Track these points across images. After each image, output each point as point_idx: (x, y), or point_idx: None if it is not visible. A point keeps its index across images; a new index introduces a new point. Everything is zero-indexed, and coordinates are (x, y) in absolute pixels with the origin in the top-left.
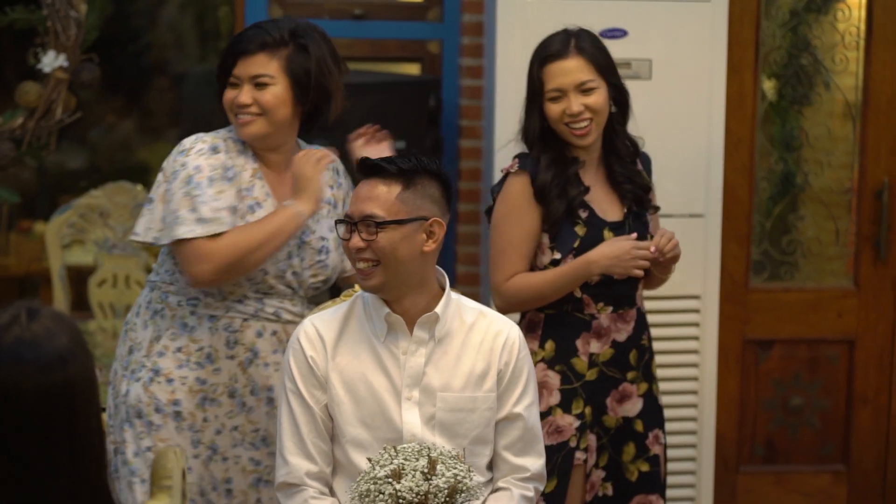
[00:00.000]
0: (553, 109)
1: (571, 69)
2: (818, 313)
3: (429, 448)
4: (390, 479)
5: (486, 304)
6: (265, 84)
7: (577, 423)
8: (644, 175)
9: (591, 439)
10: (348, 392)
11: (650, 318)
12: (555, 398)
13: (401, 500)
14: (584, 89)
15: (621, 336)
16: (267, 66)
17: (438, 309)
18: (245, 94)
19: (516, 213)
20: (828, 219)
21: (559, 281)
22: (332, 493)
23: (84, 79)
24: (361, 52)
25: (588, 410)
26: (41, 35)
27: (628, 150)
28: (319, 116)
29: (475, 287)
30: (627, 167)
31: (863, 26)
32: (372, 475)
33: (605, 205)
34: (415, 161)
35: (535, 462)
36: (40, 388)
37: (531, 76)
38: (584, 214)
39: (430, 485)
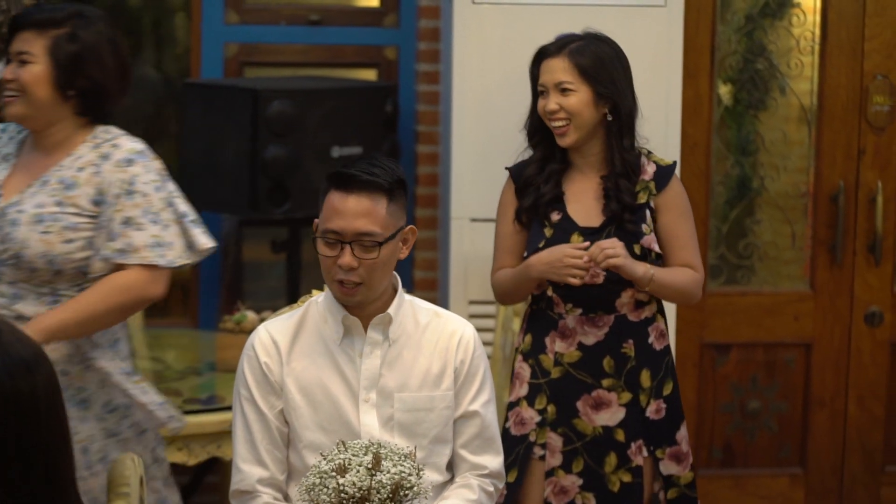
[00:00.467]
0: (539, 104)
1: (554, 68)
2: (775, 317)
3: (378, 445)
4: (335, 474)
5: (445, 308)
6: (26, 61)
7: (537, 419)
8: (628, 196)
9: (554, 439)
10: (305, 397)
11: None
12: (524, 390)
13: (343, 495)
14: (562, 89)
15: (588, 340)
16: (32, 43)
17: (391, 310)
18: (9, 70)
19: (501, 210)
20: (784, 223)
21: (513, 280)
22: (287, 500)
23: None
24: (318, 58)
25: (551, 409)
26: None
27: (624, 165)
28: (102, 106)
29: (433, 292)
30: (617, 181)
31: (818, 31)
32: (318, 469)
33: (587, 210)
34: (391, 170)
35: (493, 460)
36: (8, 394)
37: (531, 71)
38: (556, 217)
39: (374, 480)
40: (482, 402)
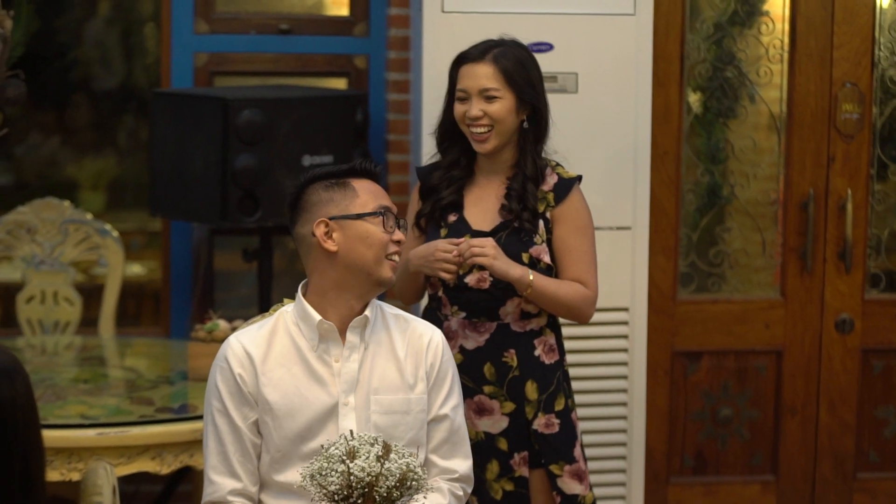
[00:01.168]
0: (457, 109)
1: (479, 74)
2: (746, 324)
3: (384, 439)
4: (344, 458)
5: (414, 315)
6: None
7: None
8: (533, 199)
9: None
10: (282, 406)
11: (578, 331)
12: None
13: (352, 478)
14: (486, 96)
15: (469, 344)
16: None
17: (368, 312)
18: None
19: (408, 211)
20: (754, 230)
21: (399, 276)
22: None
23: (10, 95)
24: (288, 67)
25: None
26: None
27: (535, 169)
28: None
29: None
30: (524, 185)
31: (786, 39)
32: (326, 454)
33: (484, 214)
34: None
35: (463, 463)
36: None
37: (449, 75)
38: (452, 218)
39: (383, 467)
40: (451, 405)
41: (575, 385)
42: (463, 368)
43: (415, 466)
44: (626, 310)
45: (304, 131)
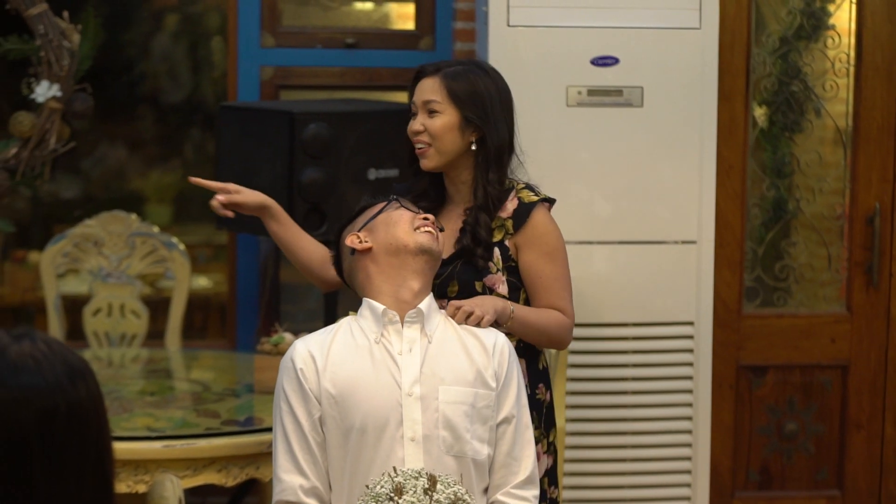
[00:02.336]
0: (409, 125)
1: (425, 88)
2: (811, 339)
3: (427, 471)
4: (392, 496)
5: None
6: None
7: None
8: (486, 231)
9: None
10: (346, 399)
11: (643, 345)
12: None
13: None
14: (429, 109)
15: None
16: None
17: (422, 305)
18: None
19: None
20: (820, 245)
21: None
22: None
23: (77, 108)
24: (354, 81)
25: None
26: (34, 65)
27: (486, 198)
28: None
29: None
30: (477, 215)
31: (852, 53)
32: (373, 493)
33: (445, 242)
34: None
35: (529, 465)
36: (75, 403)
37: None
38: None
39: (432, 500)
40: (519, 406)
41: (639, 399)
42: None
43: (462, 494)
44: (691, 324)
45: (369, 145)
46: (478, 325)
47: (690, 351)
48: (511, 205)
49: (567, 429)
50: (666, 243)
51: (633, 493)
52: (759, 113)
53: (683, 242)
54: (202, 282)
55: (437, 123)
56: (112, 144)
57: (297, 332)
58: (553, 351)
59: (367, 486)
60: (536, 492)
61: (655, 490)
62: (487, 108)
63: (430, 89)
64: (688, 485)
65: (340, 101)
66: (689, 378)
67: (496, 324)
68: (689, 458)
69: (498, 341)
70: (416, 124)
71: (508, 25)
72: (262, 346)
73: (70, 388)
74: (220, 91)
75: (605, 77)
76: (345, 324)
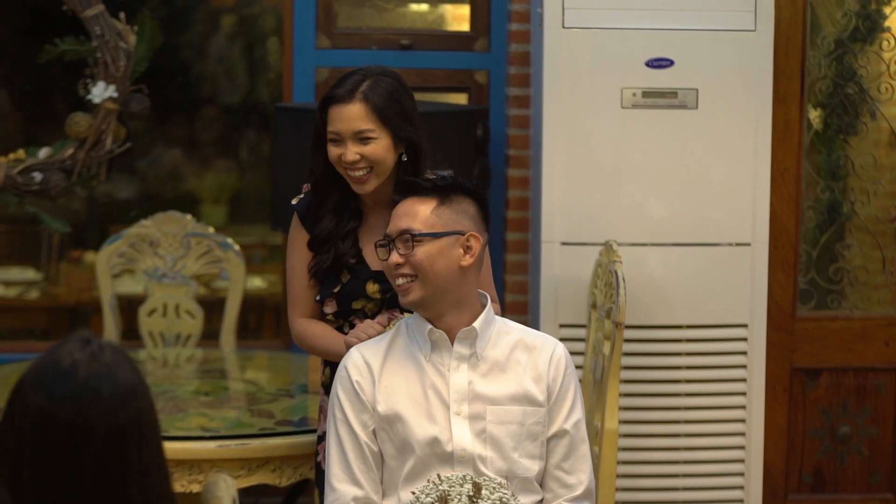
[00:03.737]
0: (332, 152)
1: (351, 116)
2: (865, 342)
3: (472, 476)
4: None
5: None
6: None
7: None
8: None
9: None
10: (398, 413)
11: (697, 347)
12: (325, 423)
13: None
14: (361, 138)
15: None
16: None
17: (476, 324)
18: None
19: (292, 252)
20: (874, 247)
21: (324, 348)
22: None
23: (133, 109)
24: (409, 82)
25: None
26: (91, 66)
27: None
28: None
29: (524, 315)
30: None
31: None
32: (419, 502)
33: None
34: (449, 179)
35: (585, 479)
36: (116, 422)
37: (317, 115)
38: (352, 261)
39: None
40: (573, 421)
41: (692, 401)
42: None
43: (508, 499)
44: (745, 326)
45: None
46: None
47: (744, 353)
48: None
49: (620, 430)
50: (720, 245)
51: (686, 496)
52: (814, 115)
53: (737, 245)
54: (257, 282)
55: (374, 149)
56: (168, 145)
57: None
58: (606, 352)
59: (414, 493)
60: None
61: (708, 493)
62: (410, 115)
63: (357, 117)
64: (741, 487)
65: None
66: (743, 380)
67: None
68: (742, 461)
69: (555, 353)
70: (349, 154)
71: (563, 27)
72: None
73: (111, 408)
74: (275, 92)
75: (660, 79)
76: (401, 332)
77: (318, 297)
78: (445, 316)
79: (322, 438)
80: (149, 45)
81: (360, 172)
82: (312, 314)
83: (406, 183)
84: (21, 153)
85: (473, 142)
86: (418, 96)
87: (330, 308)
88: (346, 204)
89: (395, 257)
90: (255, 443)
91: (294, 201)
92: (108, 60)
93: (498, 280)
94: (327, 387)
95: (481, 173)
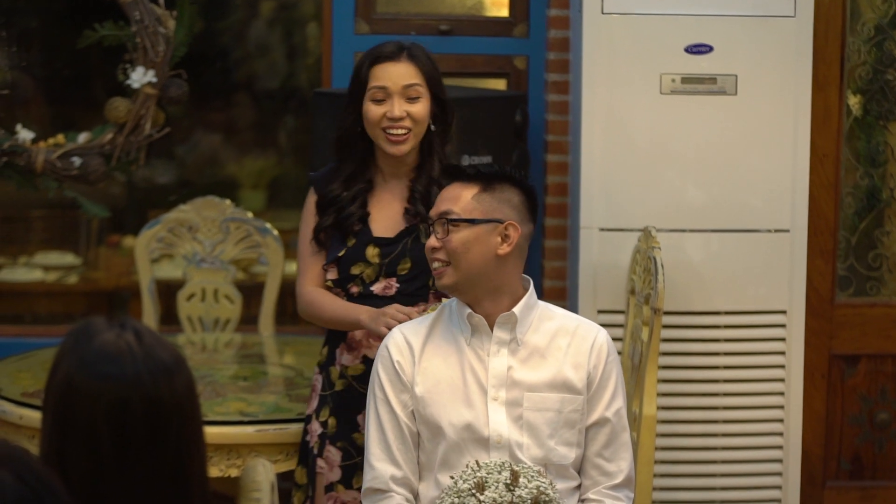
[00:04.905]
0: (374, 111)
1: (401, 73)
2: None
3: (511, 463)
4: (474, 491)
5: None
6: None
7: (319, 431)
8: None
9: (333, 452)
10: (435, 394)
11: (735, 333)
12: (315, 402)
13: None
14: (409, 95)
15: (372, 353)
16: None
17: (516, 309)
18: None
19: (304, 222)
20: None
21: (333, 319)
22: (418, 499)
23: (172, 94)
24: (448, 68)
25: (332, 421)
26: (130, 51)
27: (439, 173)
28: None
29: (562, 301)
30: (428, 188)
31: None
32: (455, 489)
33: (388, 220)
34: (497, 168)
35: (625, 468)
36: (153, 400)
37: (357, 75)
38: (357, 227)
39: (514, 495)
40: (615, 409)
41: (730, 387)
42: (364, 378)
43: (546, 488)
44: (783, 312)
45: (463, 132)
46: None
47: (782, 340)
48: None
49: (658, 416)
50: (759, 232)
51: (725, 482)
52: (854, 101)
53: (776, 231)
54: (295, 267)
55: (419, 108)
56: (206, 130)
57: None
58: (644, 338)
59: (452, 477)
60: (631, 494)
61: (746, 479)
62: (442, 84)
63: (407, 74)
64: (779, 473)
65: None
66: (782, 367)
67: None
68: (780, 447)
69: (597, 339)
70: (396, 110)
71: (603, 13)
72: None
73: (150, 385)
74: (314, 77)
75: (699, 65)
76: (444, 313)
77: (323, 263)
78: (483, 301)
79: (311, 419)
80: (188, 30)
81: (402, 131)
82: (320, 282)
83: (453, 168)
84: (60, 138)
85: (512, 127)
86: (457, 81)
87: (332, 275)
88: (362, 173)
89: (432, 241)
90: (294, 427)
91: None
92: (147, 46)
93: (536, 266)
94: (321, 366)
95: (520, 159)
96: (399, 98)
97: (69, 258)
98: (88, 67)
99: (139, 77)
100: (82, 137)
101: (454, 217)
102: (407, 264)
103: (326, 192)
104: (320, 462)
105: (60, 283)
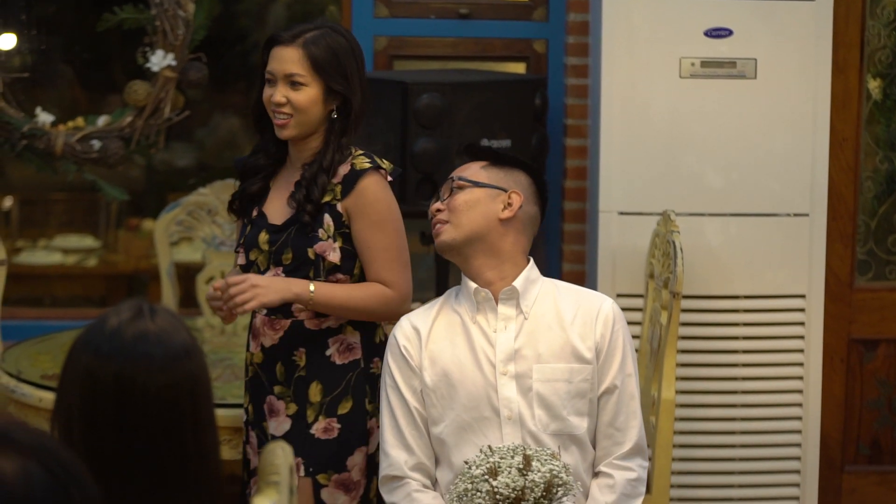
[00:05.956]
0: (265, 92)
1: (286, 58)
2: None
3: (524, 447)
4: (487, 477)
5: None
6: None
7: (244, 417)
8: (320, 191)
9: (254, 438)
10: (444, 376)
11: (754, 318)
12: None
13: (498, 497)
14: (292, 81)
15: (267, 342)
16: None
17: (517, 283)
18: None
19: None
20: None
21: None
22: (436, 484)
23: (192, 77)
24: (467, 52)
25: (251, 408)
26: (149, 34)
27: (332, 162)
28: None
29: (582, 285)
30: (315, 176)
31: None
32: (469, 474)
33: (281, 206)
34: (510, 154)
35: (634, 436)
36: (167, 383)
37: (261, 53)
38: (254, 213)
39: (527, 480)
40: (623, 376)
41: (749, 371)
42: (263, 367)
43: (559, 471)
44: (802, 297)
45: (482, 115)
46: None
47: (801, 324)
48: (343, 169)
49: (677, 401)
50: (778, 216)
51: (743, 466)
52: (873, 85)
53: (796, 215)
54: None
55: (301, 97)
56: (225, 113)
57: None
58: (663, 322)
59: (466, 462)
60: (644, 462)
61: (765, 463)
62: (348, 74)
63: (290, 60)
64: (797, 458)
65: (453, 72)
66: (801, 351)
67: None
68: (798, 432)
69: (602, 308)
70: (277, 96)
71: None
72: None
73: (161, 368)
74: None
75: (719, 49)
76: (450, 297)
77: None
78: (484, 271)
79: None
80: (207, 13)
81: (282, 116)
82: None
83: (469, 146)
84: (80, 121)
85: (531, 111)
86: (476, 65)
87: (241, 260)
88: (268, 148)
89: (436, 204)
90: None
91: None
92: (166, 29)
93: (555, 249)
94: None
95: (539, 143)
96: (282, 84)
97: (88, 241)
98: (108, 50)
99: (158, 60)
100: (102, 120)
101: (460, 177)
102: (289, 255)
103: (244, 164)
104: (248, 448)
105: (80, 266)
